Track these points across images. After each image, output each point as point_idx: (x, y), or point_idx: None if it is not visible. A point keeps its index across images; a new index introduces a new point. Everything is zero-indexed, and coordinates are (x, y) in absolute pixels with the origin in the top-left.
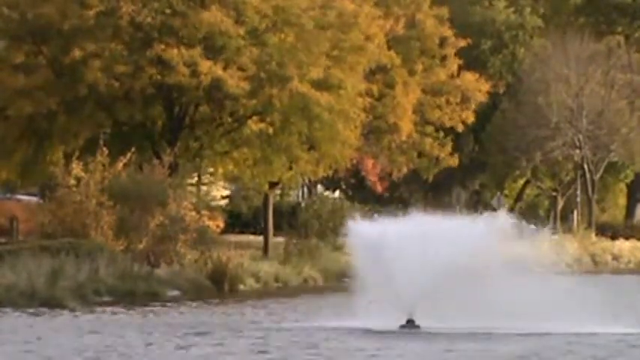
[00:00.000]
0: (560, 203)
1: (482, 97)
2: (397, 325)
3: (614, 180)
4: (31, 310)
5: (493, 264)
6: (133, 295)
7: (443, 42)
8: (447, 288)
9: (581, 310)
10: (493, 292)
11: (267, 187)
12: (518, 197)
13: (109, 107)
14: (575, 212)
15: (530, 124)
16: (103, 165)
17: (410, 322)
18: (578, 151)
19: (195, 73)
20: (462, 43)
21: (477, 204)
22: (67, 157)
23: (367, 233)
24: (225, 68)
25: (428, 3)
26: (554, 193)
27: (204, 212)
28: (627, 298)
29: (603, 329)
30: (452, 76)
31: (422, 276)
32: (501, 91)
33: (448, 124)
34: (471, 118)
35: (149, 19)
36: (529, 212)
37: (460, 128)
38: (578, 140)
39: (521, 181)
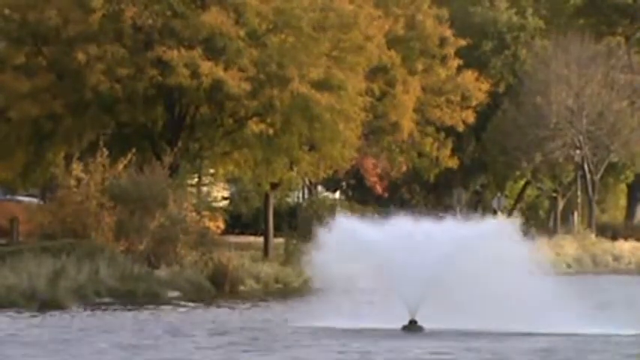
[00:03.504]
0: (561, 204)
1: (482, 97)
2: (400, 326)
3: (614, 180)
4: (31, 311)
5: (494, 265)
6: (134, 295)
7: (443, 42)
8: (448, 289)
9: (585, 311)
10: (494, 293)
11: (268, 187)
12: (519, 198)
13: (111, 109)
14: (576, 213)
15: (531, 124)
16: (104, 166)
17: (412, 323)
18: (578, 151)
19: (195, 74)
20: (462, 42)
21: (478, 204)
22: (68, 159)
23: (368, 233)
24: (225, 69)
25: (427, 3)
26: (554, 194)
27: (204, 213)
28: (629, 299)
29: (610, 330)
30: (452, 76)
31: (424, 277)
32: (502, 91)
33: (448, 123)
34: (471, 118)
35: (150, 21)
36: (529, 213)
37: (460, 127)
38: (579, 141)
39: (522, 182)
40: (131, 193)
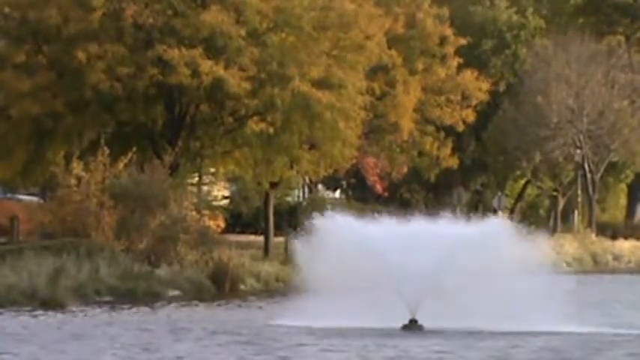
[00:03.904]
0: (561, 203)
1: (482, 96)
2: (400, 325)
3: (614, 180)
4: (31, 310)
5: (494, 264)
6: (134, 295)
7: (443, 41)
8: (449, 288)
9: (585, 310)
10: (494, 292)
11: (268, 186)
12: (519, 197)
13: (112, 108)
14: (576, 212)
15: (531, 124)
16: (104, 165)
17: (412, 322)
18: (578, 150)
19: (196, 73)
20: (462, 41)
21: (478, 204)
22: (68, 157)
23: (366, 233)
24: (226, 68)
25: (428, 2)
26: (554, 193)
27: (205, 212)
28: (629, 298)
29: (612, 329)
30: (452, 75)
31: (424, 276)
32: (502, 91)
33: (448, 123)
34: (471, 117)
35: (150, 20)
36: (530, 212)
37: (460, 127)
38: (579, 140)
39: (522, 181)
40: (132, 192)
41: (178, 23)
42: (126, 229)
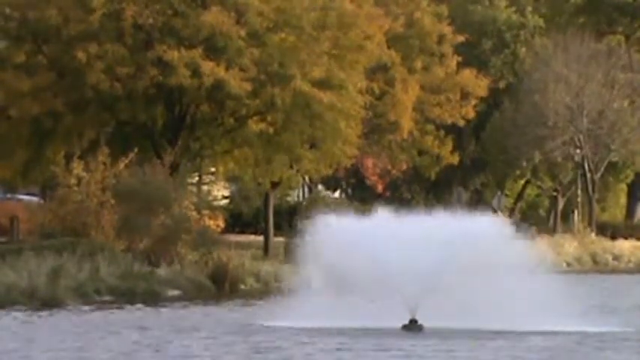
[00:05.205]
0: (561, 203)
1: (481, 93)
2: (400, 325)
3: (614, 179)
4: (31, 309)
5: (494, 264)
6: (134, 294)
7: (441, 39)
8: (449, 287)
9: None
10: (494, 292)
11: (268, 186)
12: (519, 197)
13: (112, 107)
14: (576, 212)
15: (531, 123)
16: (104, 164)
17: (413, 322)
18: (578, 150)
19: (197, 74)
20: (460, 38)
21: (478, 203)
22: (68, 157)
23: (365, 232)
24: (226, 69)
25: (426, 1)
26: (554, 193)
27: (204, 212)
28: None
29: (611, 328)
30: (451, 74)
31: (424, 276)
32: (502, 90)
33: (448, 121)
34: (471, 114)
35: (150, 20)
36: (530, 212)
37: (461, 123)
38: (579, 140)
39: (522, 181)
40: (137, 192)
41: (178, 23)
42: (126, 229)
